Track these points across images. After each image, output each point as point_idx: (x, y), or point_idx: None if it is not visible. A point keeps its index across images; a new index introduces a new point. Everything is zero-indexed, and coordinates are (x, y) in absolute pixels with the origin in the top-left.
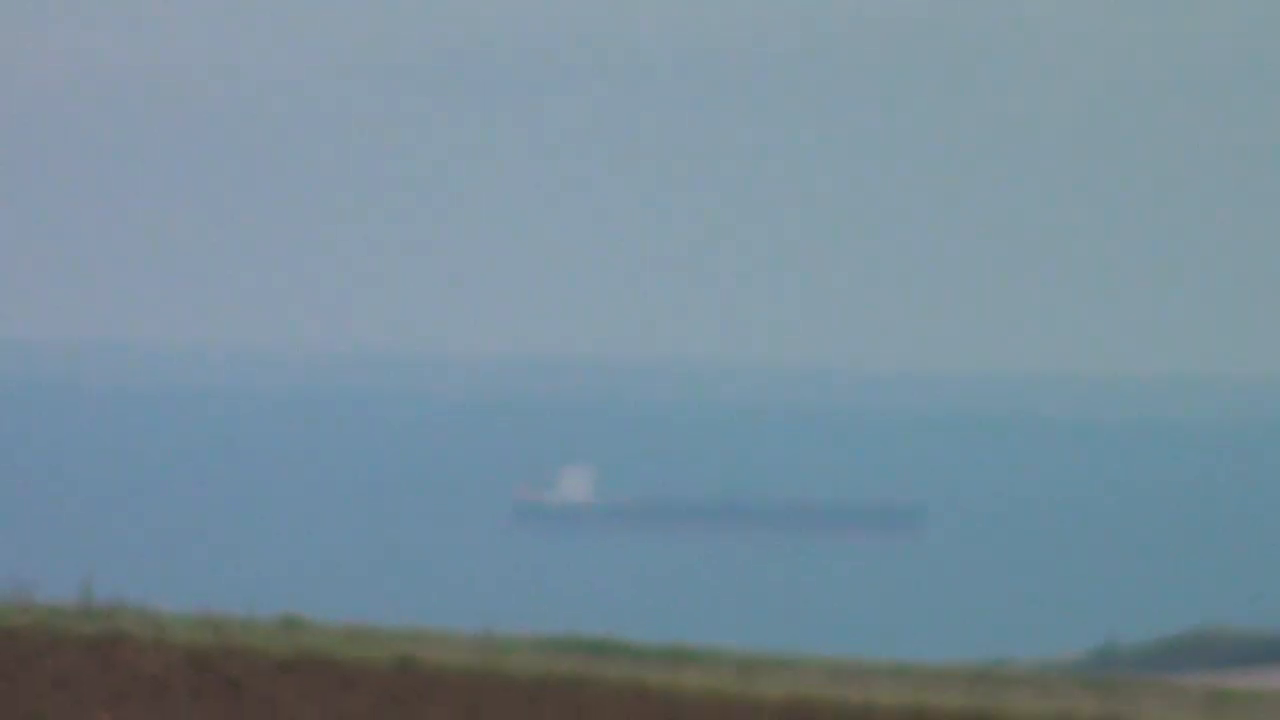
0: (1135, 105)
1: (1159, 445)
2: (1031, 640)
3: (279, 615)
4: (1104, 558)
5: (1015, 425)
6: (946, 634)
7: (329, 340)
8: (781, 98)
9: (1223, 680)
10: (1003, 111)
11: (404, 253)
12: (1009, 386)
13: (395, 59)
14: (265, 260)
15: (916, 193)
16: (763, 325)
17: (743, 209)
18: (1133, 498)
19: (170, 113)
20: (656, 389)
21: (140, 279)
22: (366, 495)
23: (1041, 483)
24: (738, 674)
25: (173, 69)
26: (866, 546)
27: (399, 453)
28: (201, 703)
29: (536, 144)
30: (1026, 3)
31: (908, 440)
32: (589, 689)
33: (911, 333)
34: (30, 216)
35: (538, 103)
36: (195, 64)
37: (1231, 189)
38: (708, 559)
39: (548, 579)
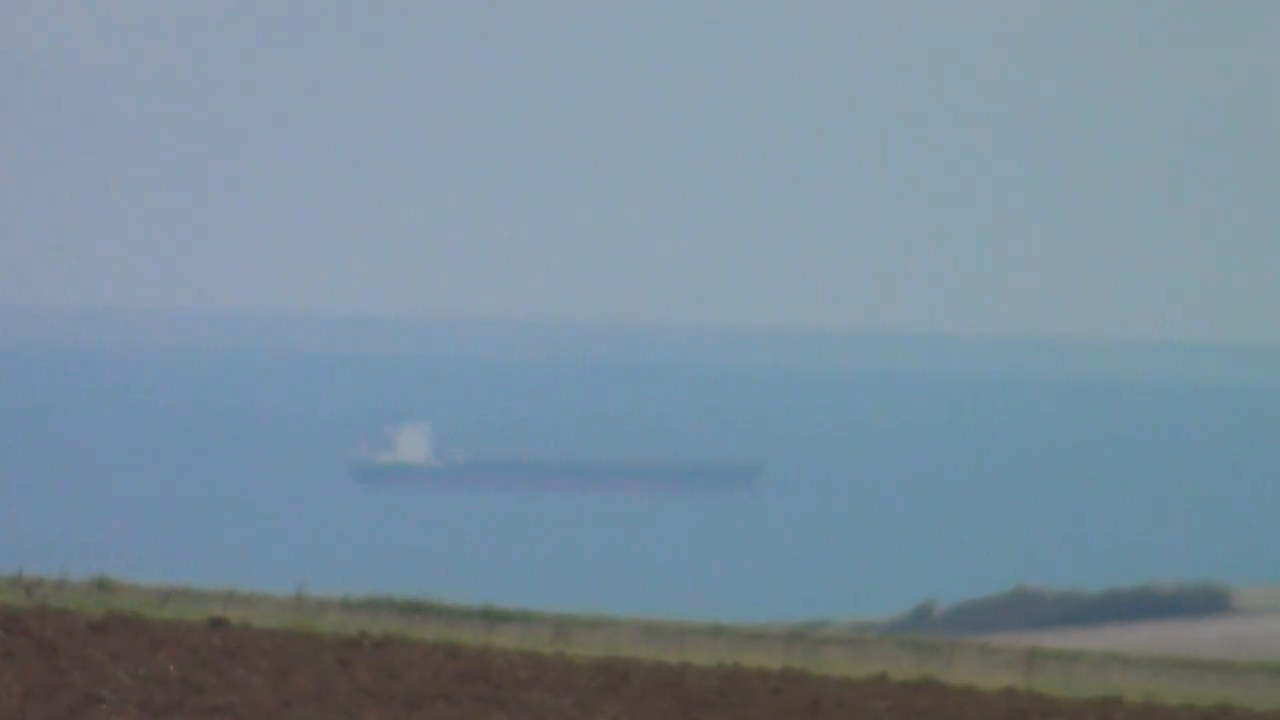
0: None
1: (988, 401)
2: (854, 599)
3: (91, 576)
4: (926, 517)
5: (852, 382)
6: (772, 593)
7: (168, 297)
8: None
9: (1039, 640)
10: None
11: (238, 210)
12: (844, 342)
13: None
14: (98, 218)
15: (774, 151)
16: (610, 281)
17: (587, 163)
18: (954, 457)
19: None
20: (498, 346)
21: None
22: (197, 453)
23: (873, 441)
24: (554, 633)
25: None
26: (702, 505)
27: (231, 409)
28: (14, 663)
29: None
30: None
31: (750, 397)
32: (400, 649)
33: (758, 289)
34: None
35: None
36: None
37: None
38: (543, 519)
39: (378, 539)
